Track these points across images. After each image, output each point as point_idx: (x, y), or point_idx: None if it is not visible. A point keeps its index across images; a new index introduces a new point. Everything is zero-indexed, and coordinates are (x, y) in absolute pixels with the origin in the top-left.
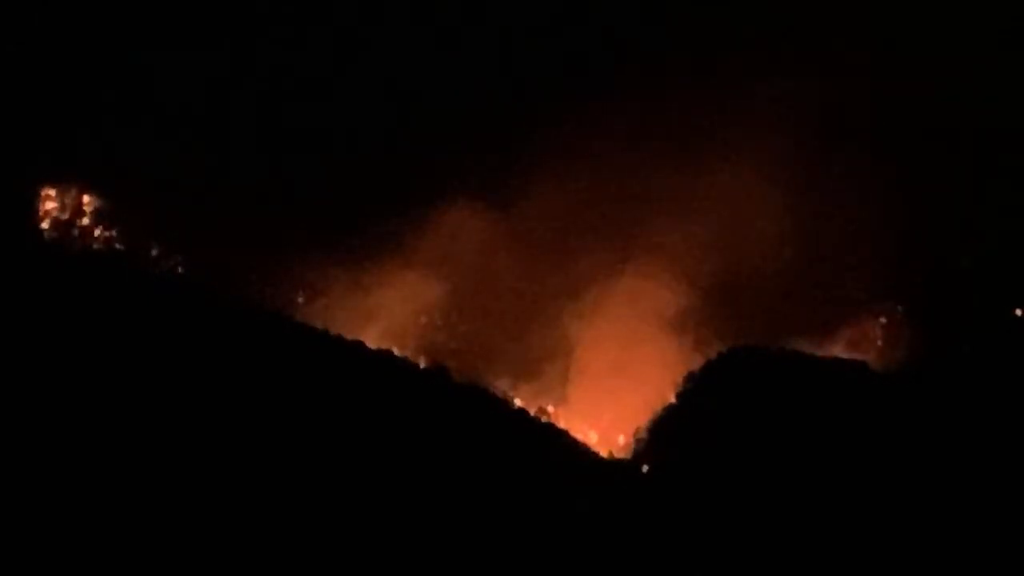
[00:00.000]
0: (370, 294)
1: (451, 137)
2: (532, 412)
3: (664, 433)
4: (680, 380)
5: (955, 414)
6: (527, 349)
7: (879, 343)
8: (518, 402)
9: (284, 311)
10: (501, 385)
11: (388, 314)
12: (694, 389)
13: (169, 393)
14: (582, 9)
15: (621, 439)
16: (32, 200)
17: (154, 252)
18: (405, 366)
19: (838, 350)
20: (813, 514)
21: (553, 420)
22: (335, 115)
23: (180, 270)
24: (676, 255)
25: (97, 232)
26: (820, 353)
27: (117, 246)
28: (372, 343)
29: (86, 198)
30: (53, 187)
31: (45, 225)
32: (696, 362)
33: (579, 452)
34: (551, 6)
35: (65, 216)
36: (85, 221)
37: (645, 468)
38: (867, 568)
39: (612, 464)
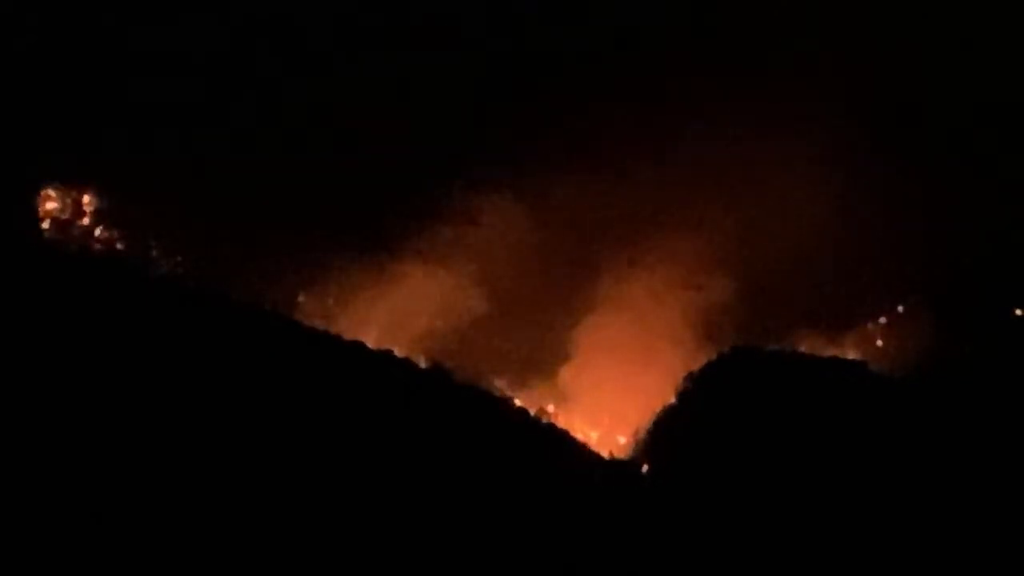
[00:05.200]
0: (370, 294)
1: (455, 134)
2: (532, 412)
3: (664, 433)
4: (680, 380)
5: (956, 415)
6: (528, 349)
7: (879, 343)
8: (518, 402)
9: (284, 311)
10: (501, 385)
11: (389, 314)
12: (694, 389)
13: (169, 393)
14: (609, 7)
15: (622, 438)
16: (32, 200)
17: (154, 252)
18: (405, 366)
19: (838, 351)
20: (814, 515)
21: (553, 420)
22: (336, 113)
23: (180, 270)
24: (681, 257)
25: (97, 232)
26: (820, 353)
27: (117, 246)
28: (372, 343)
29: (86, 198)
30: (53, 187)
31: (45, 225)
32: (697, 362)
33: (579, 452)
34: (575, 4)
35: (65, 216)
36: (85, 221)
37: (645, 468)
38: (868, 569)
39: (612, 464)
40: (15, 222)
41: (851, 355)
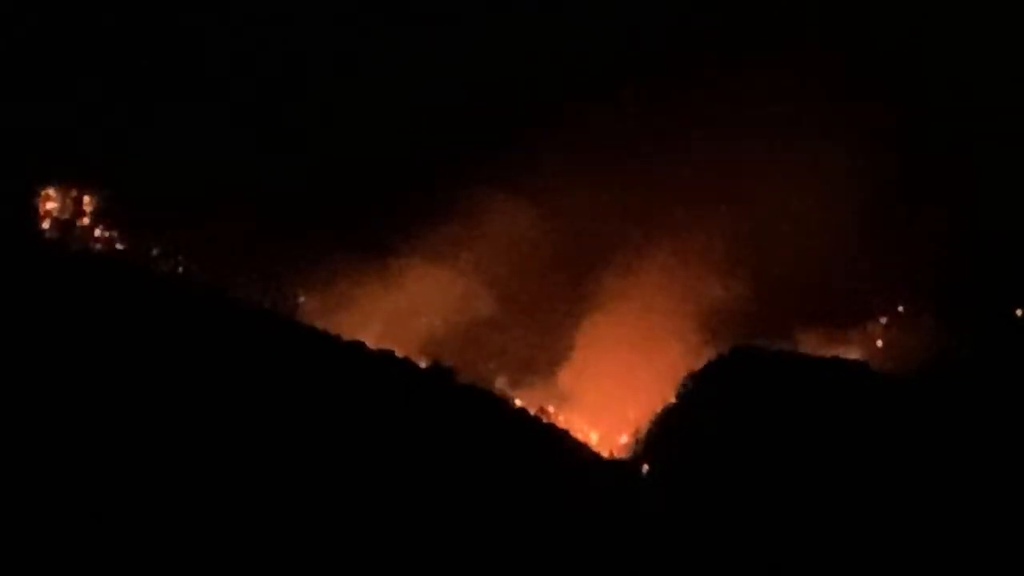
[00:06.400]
0: (371, 294)
1: (457, 134)
2: (532, 412)
3: (664, 433)
4: (681, 380)
5: (956, 414)
6: (528, 349)
7: (879, 343)
8: (518, 402)
9: (284, 311)
10: (501, 385)
11: (389, 313)
12: (694, 389)
13: (169, 393)
14: (616, 8)
15: (623, 438)
16: (32, 200)
17: (154, 252)
18: (405, 366)
19: (839, 350)
20: (813, 514)
21: (554, 420)
22: (338, 113)
23: (180, 270)
24: (683, 258)
25: (97, 232)
26: (821, 353)
27: (117, 246)
28: (372, 343)
29: (86, 198)
30: (53, 187)
31: (45, 225)
32: (698, 362)
33: (580, 452)
34: (582, 5)
35: (65, 216)
36: (85, 221)
37: (645, 468)
38: (867, 568)
39: (612, 464)
40: (15, 222)
41: (851, 355)
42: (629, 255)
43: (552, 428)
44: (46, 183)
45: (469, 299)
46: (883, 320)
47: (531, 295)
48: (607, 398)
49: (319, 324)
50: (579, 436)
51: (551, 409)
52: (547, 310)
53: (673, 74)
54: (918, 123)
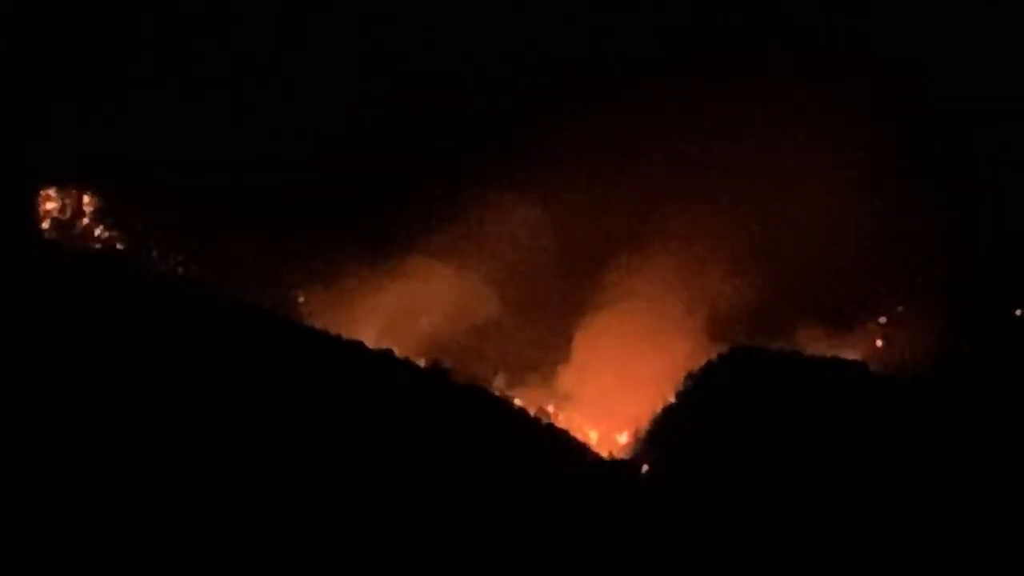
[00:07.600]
0: (371, 293)
1: (459, 134)
2: (532, 412)
3: (664, 433)
4: (681, 380)
5: (955, 415)
6: (529, 348)
7: (879, 343)
8: (518, 402)
9: (284, 310)
10: (501, 385)
11: (389, 313)
12: (694, 389)
13: (169, 393)
14: (621, 9)
15: (622, 438)
16: (32, 200)
17: (154, 252)
18: (405, 366)
19: (839, 350)
20: (813, 515)
21: (553, 420)
22: (339, 113)
23: (180, 270)
24: (685, 258)
25: (97, 232)
26: (821, 353)
27: (117, 246)
28: (372, 343)
29: (86, 198)
30: (53, 187)
31: (45, 225)
32: (697, 362)
33: (579, 452)
34: (585, 6)
35: (65, 216)
36: (85, 221)
37: (645, 468)
38: (868, 568)
39: (612, 464)
40: (15, 222)
41: (851, 355)
42: (630, 255)
43: (552, 428)
44: (46, 183)
45: (469, 299)
46: (883, 320)
47: (531, 295)
48: (607, 398)
49: (319, 324)
50: (579, 436)
51: (551, 409)
52: (547, 310)
53: (677, 74)
54: (918, 123)
